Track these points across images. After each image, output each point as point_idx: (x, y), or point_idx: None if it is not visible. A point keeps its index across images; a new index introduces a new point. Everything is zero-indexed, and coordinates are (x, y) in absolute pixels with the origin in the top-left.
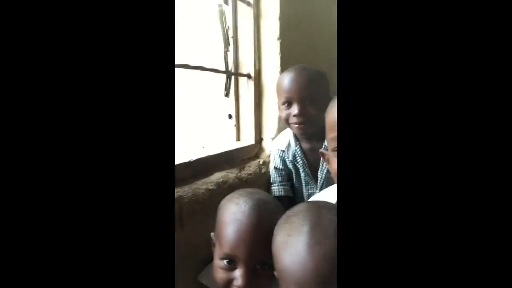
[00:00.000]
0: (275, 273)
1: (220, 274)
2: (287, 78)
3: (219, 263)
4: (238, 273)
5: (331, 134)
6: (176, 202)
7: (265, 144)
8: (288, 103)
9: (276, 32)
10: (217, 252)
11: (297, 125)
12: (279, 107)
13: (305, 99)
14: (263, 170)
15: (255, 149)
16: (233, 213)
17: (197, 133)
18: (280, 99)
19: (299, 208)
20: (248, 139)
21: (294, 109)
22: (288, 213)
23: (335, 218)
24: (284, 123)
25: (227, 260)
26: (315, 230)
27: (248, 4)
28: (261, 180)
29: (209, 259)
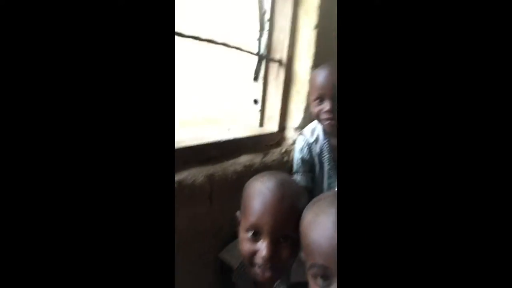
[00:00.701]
0: (301, 254)
1: (245, 247)
2: (321, 74)
3: (244, 236)
4: (262, 245)
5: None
6: (207, 179)
7: (287, 132)
8: (321, 99)
9: (314, 20)
10: (242, 226)
11: (328, 121)
12: (311, 102)
13: (334, 96)
14: (285, 159)
15: (278, 137)
16: (259, 188)
17: (222, 114)
18: (312, 95)
19: (325, 195)
20: (271, 126)
21: (326, 105)
22: (315, 199)
23: None
24: (315, 118)
25: (252, 231)
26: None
27: None
28: (284, 168)
29: (232, 238)
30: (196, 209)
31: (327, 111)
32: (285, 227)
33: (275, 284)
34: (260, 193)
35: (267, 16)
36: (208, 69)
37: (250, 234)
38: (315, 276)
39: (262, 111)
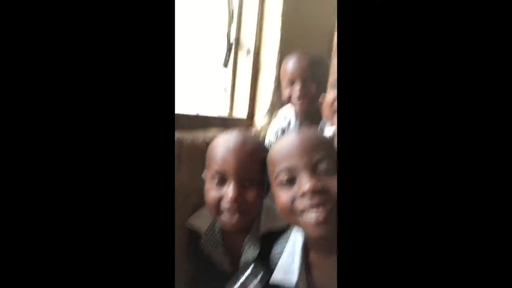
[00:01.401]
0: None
1: (211, 194)
2: (291, 61)
3: (209, 185)
4: (228, 188)
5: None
6: (177, 143)
7: (256, 119)
8: (291, 82)
9: (279, 10)
10: (208, 177)
11: (299, 101)
12: (283, 89)
13: (307, 78)
14: None
15: (247, 123)
16: (221, 139)
17: (191, 102)
18: (283, 80)
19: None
20: (240, 113)
21: (297, 87)
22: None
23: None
24: (287, 101)
25: (217, 178)
26: (299, 130)
27: None
28: None
29: (199, 206)
30: None
31: (297, 91)
32: (249, 170)
33: (245, 240)
34: (223, 142)
35: (235, 6)
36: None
37: (215, 181)
38: (282, 184)
39: (232, 98)
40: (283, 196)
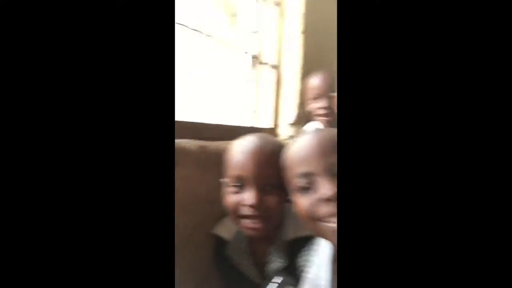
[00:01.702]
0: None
1: (230, 199)
2: (317, 78)
3: (229, 190)
4: (247, 193)
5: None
6: (201, 148)
7: (280, 130)
8: (316, 99)
9: (299, 27)
10: (227, 180)
11: (323, 117)
12: (309, 102)
13: (332, 96)
14: None
15: (272, 133)
16: (240, 144)
17: (216, 114)
18: (310, 95)
19: None
20: (265, 124)
21: (322, 103)
22: None
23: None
24: (312, 115)
25: (236, 183)
26: (315, 131)
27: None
28: None
29: (226, 213)
30: (191, 175)
31: (323, 108)
32: (269, 173)
33: (271, 248)
34: (241, 147)
35: (255, 27)
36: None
37: (234, 187)
38: (300, 190)
39: (256, 111)
40: (302, 202)
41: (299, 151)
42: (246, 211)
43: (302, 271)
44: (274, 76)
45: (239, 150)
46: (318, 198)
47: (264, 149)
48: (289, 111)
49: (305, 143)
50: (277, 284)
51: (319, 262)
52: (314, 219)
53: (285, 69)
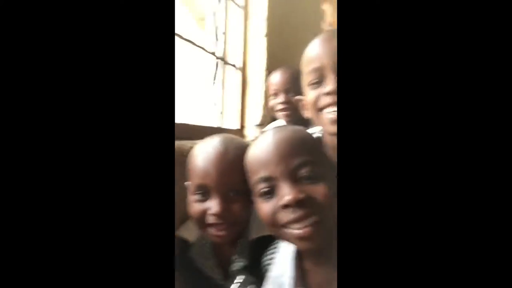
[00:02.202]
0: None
1: (194, 208)
2: (274, 75)
3: (192, 198)
4: (212, 202)
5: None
6: (178, 151)
7: (247, 131)
8: (275, 94)
9: (264, 30)
10: (190, 190)
11: (283, 112)
12: (268, 99)
13: (289, 90)
14: None
15: (238, 134)
16: (202, 148)
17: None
18: (269, 92)
19: None
20: (231, 125)
21: (280, 99)
22: None
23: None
24: (273, 111)
25: (200, 192)
26: (274, 130)
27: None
28: None
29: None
30: None
31: (282, 103)
32: (233, 181)
33: (237, 249)
34: (202, 152)
35: (221, 30)
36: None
37: (198, 194)
38: (261, 195)
39: (222, 112)
40: (264, 208)
41: (257, 154)
42: (211, 219)
43: (265, 270)
44: (240, 77)
45: (201, 156)
46: (279, 204)
47: (227, 154)
48: (255, 112)
49: (263, 145)
50: (239, 284)
51: (282, 260)
52: (278, 225)
53: (250, 70)
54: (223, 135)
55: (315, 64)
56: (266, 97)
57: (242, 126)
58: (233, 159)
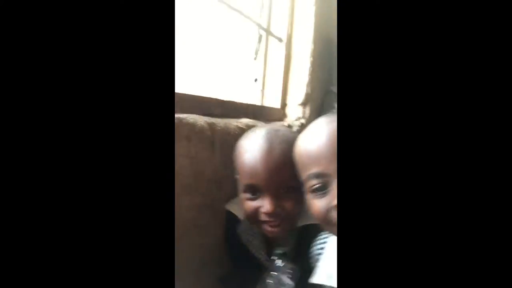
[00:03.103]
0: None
1: (246, 205)
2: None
3: (243, 196)
4: (263, 201)
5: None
6: (209, 126)
7: (289, 109)
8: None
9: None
10: (240, 186)
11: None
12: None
13: None
14: None
15: (280, 113)
16: (246, 146)
17: (223, 90)
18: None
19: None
20: (273, 103)
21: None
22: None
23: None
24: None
25: (250, 190)
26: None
27: None
28: None
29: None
30: (198, 153)
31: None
32: (282, 178)
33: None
34: (247, 151)
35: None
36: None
37: (249, 193)
38: (313, 191)
39: (263, 89)
40: (316, 205)
41: (308, 148)
42: (264, 217)
43: (315, 259)
44: (284, 52)
45: (247, 155)
46: (333, 204)
47: (273, 151)
48: (299, 90)
49: (314, 138)
50: (279, 267)
51: (332, 251)
52: (330, 222)
53: (295, 44)
54: (267, 129)
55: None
56: (313, 76)
57: (284, 104)
58: (280, 156)
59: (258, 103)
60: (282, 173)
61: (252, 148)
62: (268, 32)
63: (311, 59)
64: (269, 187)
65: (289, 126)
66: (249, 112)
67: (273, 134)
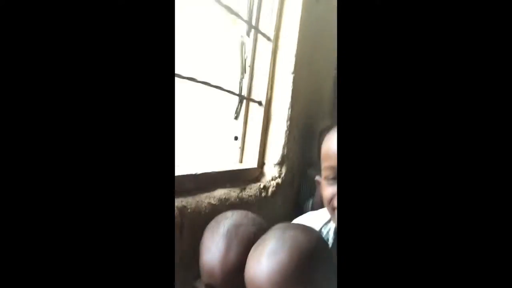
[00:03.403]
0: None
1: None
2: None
3: (324, 182)
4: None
5: (325, 163)
6: (179, 211)
7: (266, 169)
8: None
9: (291, 67)
10: (323, 173)
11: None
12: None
13: None
14: (263, 194)
15: (257, 173)
16: (206, 243)
17: (202, 150)
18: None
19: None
20: (251, 162)
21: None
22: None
23: (298, 235)
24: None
25: (332, 174)
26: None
27: (268, 39)
28: (260, 204)
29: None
30: None
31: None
32: (237, 279)
33: None
34: (206, 249)
35: (248, 61)
36: (190, 106)
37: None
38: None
39: (243, 147)
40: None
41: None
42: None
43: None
44: (263, 114)
45: (206, 255)
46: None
47: (230, 254)
48: (276, 151)
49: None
50: None
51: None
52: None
53: (275, 107)
54: (229, 224)
55: (332, 162)
56: (290, 138)
57: (262, 163)
58: (236, 259)
59: (237, 161)
60: (239, 275)
61: (210, 247)
62: (249, 95)
63: (288, 122)
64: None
65: (264, 188)
66: (225, 180)
67: (233, 232)
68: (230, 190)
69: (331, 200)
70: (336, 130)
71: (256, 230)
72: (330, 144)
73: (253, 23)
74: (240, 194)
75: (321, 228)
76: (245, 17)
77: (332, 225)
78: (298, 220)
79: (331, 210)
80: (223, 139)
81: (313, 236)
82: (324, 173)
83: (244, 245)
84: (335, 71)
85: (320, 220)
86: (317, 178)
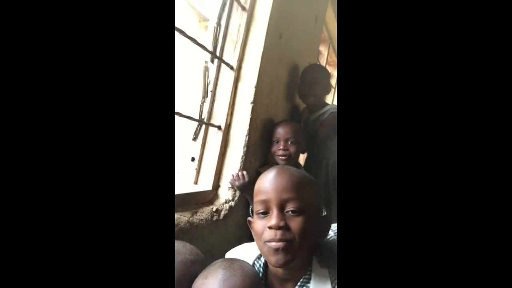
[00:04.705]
0: None
1: None
2: (280, 125)
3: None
4: None
5: (256, 198)
6: None
7: (221, 191)
8: (277, 141)
9: (251, 96)
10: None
11: (282, 157)
12: (272, 145)
13: (288, 140)
14: (214, 218)
15: (211, 195)
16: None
17: None
18: (273, 138)
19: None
20: (206, 183)
21: (280, 145)
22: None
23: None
24: (273, 155)
25: None
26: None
27: (231, 68)
28: (211, 228)
29: None
30: None
31: (281, 149)
32: None
33: None
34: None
35: (210, 87)
36: None
37: None
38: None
39: (199, 169)
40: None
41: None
42: None
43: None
44: (221, 137)
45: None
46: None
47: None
48: (231, 174)
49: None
50: None
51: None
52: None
53: (233, 132)
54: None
55: (262, 197)
56: (245, 164)
57: (217, 186)
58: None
59: (192, 182)
60: None
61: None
62: (208, 121)
63: (245, 148)
64: None
65: (217, 211)
66: (177, 204)
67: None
68: (180, 215)
69: (262, 234)
70: (270, 168)
71: (194, 260)
72: (262, 181)
73: (218, 52)
74: (191, 219)
75: (253, 262)
76: (210, 47)
77: (263, 259)
78: (233, 251)
79: (262, 244)
80: (180, 159)
81: (245, 271)
82: (256, 208)
83: (179, 269)
84: (293, 104)
85: (254, 253)
86: (248, 219)
